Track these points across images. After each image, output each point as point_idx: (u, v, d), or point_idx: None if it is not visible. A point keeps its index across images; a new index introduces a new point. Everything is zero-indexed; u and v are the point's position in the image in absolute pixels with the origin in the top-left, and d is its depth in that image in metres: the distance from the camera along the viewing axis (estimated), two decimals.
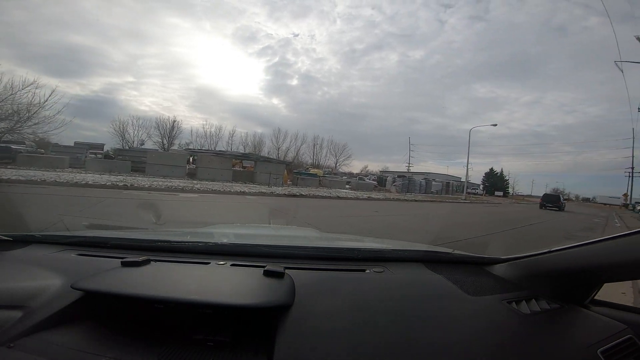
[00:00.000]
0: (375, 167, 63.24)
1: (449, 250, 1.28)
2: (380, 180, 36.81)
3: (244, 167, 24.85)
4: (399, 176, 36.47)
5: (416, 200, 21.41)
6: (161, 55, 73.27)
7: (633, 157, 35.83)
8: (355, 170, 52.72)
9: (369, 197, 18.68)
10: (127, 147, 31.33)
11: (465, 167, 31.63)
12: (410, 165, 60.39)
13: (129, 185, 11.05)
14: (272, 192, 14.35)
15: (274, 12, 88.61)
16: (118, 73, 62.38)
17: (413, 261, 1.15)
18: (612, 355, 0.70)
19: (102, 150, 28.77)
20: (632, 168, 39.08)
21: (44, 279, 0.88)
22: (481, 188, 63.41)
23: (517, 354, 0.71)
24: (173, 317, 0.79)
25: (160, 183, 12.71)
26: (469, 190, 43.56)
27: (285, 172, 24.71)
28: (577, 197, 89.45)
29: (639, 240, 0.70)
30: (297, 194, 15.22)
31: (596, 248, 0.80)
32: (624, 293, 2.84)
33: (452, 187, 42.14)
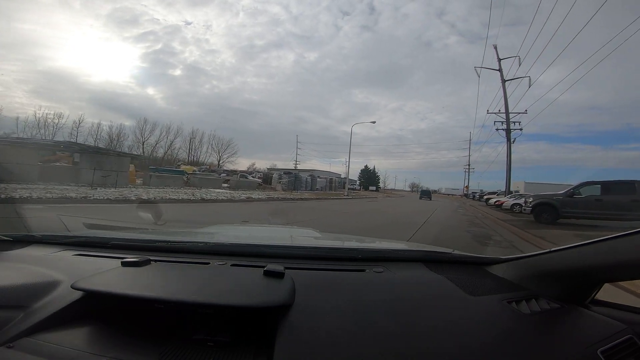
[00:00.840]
0: (263, 164, 61.94)
1: (449, 251, 1.27)
2: (267, 178, 33.82)
3: (74, 163, 17.38)
4: (285, 173, 34.25)
5: (302, 199, 19.25)
6: None
7: (469, 156, 48.80)
8: (242, 168, 48.99)
9: (248, 197, 15.43)
10: None
11: (346, 165, 32.77)
12: (297, 162, 60.31)
13: None
14: (86, 197, 9.28)
15: None
16: None
17: (413, 261, 1.15)
18: (612, 355, 0.70)
19: None
20: (469, 165, 52.78)
21: (44, 279, 0.88)
22: (358, 184, 68.84)
23: (517, 354, 0.70)
24: (173, 317, 0.79)
25: None
26: (349, 185, 45.97)
27: (132, 168, 18.60)
28: (426, 188, 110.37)
29: (639, 240, 0.69)
30: (128, 198, 10.40)
31: (596, 248, 0.80)
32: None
33: (334, 184, 43.07)
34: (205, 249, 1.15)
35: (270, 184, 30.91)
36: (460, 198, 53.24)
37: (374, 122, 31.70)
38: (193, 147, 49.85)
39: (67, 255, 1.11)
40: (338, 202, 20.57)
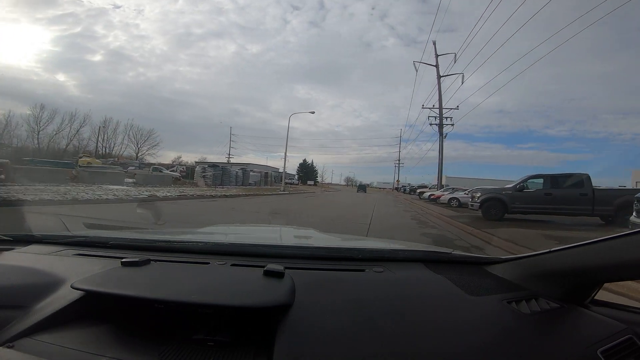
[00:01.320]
0: (192, 158, 55.69)
1: (449, 251, 1.26)
2: (189, 172, 29.28)
3: None
4: (210, 166, 29.84)
5: (227, 196, 15.95)
6: None
7: (400, 151, 50.81)
8: (167, 161, 43.04)
9: (151, 195, 11.94)
10: None
11: (283, 159, 30.49)
12: (230, 156, 55.96)
13: None
14: None
15: None
16: None
17: (413, 261, 1.14)
18: (612, 355, 0.70)
19: None
20: (399, 160, 58.35)
21: (44, 279, 0.88)
22: (296, 178, 67.52)
23: (517, 354, 0.70)
24: (173, 317, 0.79)
25: None
26: (286, 180, 44.09)
27: None
28: (361, 182, 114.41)
29: (639, 240, 0.69)
30: None
31: (596, 248, 0.80)
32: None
33: (270, 178, 39.99)
34: (205, 248, 1.15)
35: (192, 179, 26.63)
36: (391, 191, 56.28)
37: (312, 113, 30.67)
38: (105, 137, 41.97)
39: (67, 255, 1.11)
40: (271, 199, 17.73)
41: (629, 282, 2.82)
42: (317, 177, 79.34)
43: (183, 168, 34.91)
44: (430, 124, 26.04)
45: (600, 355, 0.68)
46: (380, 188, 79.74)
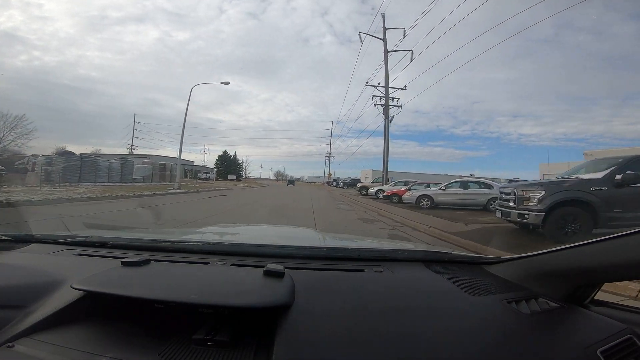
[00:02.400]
0: (84, 150, 43.34)
1: (449, 251, 1.25)
2: (24, 164, 18.90)
3: None
4: (60, 154, 19.33)
5: (52, 200, 8.52)
6: None
7: (330, 144, 47.72)
8: (46, 152, 30.18)
9: None
10: None
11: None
12: (134, 147, 47.89)
13: None
14: None
15: None
16: None
17: (413, 261, 1.14)
18: (612, 355, 0.70)
19: None
20: (330, 153, 54.85)
21: (44, 278, 0.88)
22: (215, 172, 58.15)
23: (517, 354, 0.70)
24: (173, 317, 0.79)
25: None
26: (203, 174, 34.92)
27: None
28: (291, 177, 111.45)
29: (639, 240, 0.69)
30: None
31: (596, 248, 0.79)
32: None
33: (169, 171, 29.61)
34: (205, 248, 1.15)
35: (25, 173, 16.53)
36: (322, 186, 51.88)
37: (226, 83, 20.90)
38: None
39: (67, 255, 1.11)
40: (148, 201, 11.45)
41: (629, 282, 2.77)
42: (241, 171, 67.27)
43: (34, 160, 23.19)
44: (375, 105, 21.48)
45: (600, 355, 0.68)
46: (310, 182, 77.01)
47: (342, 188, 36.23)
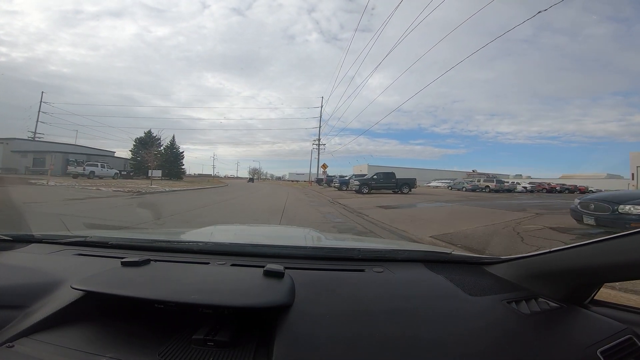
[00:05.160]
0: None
1: (449, 251, 1.26)
2: None
3: None
4: None
5: None
6: None
7: (319, 142, 43.18)
8: None
9: None
10: None
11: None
12: (39, 134, 38.05)
13: None
14: None
15: None
16: None
17: (412, 261, 1.14)
18: (611, 355, 0.70)
19: None
20: (318, 147, 44.75)
21: (44, 278, 0.89)
22: (127, 165, 35.86)
23: (517, 354, 0.70)
24: (173, 317, 0.79)
25: None
26: (88, 165, 26.53)
27: None
28: (272, 175, 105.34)
29: (639, 240, 0.69)
30: None
31: (596, 248, 0.80)
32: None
33: (61, 163, 21.94)
34: (205, 248, 1.15)
35: None
36: (310, 185, 37.56)
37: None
38: None
39: (67, 255, 1.11)
40: None
41: (629, 282, 2.78)
42: (182, 166, 41.30)
43: None
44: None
45: (600, 356, 0.68)
46: (292, 181, 62.60)
47: (339, 189, 22.77)
